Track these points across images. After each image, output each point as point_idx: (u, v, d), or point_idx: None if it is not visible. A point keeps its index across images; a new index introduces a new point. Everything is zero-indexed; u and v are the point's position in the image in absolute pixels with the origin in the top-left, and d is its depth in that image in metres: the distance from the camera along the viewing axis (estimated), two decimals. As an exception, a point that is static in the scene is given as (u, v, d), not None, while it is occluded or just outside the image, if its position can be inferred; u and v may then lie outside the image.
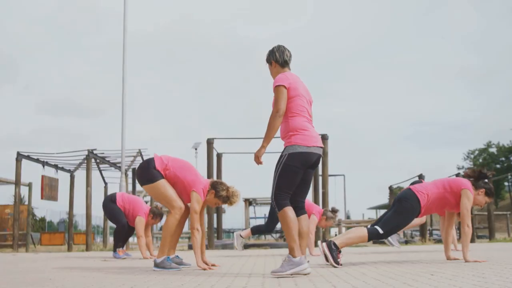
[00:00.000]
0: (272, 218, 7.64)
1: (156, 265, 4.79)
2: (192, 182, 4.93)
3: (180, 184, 4.95)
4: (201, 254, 4.94)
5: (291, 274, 3.75)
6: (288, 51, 4.31)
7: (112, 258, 7.57)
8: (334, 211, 8.06)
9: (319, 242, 5.03)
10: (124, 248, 8.16)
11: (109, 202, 7.93)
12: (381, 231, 4.95)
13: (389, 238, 7.28)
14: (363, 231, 4.92)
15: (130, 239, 11.99)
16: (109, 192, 15.43)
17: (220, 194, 5.00)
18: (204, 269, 4.71)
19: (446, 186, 5.04)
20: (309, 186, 4.24)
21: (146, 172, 4.92)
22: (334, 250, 4.76)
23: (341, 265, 4.76)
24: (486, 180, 5.17)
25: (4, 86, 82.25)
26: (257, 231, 7.71)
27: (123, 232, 7.92)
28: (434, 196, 5.01)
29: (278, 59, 4.27)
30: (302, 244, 4.02)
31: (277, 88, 4.04)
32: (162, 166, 4.92)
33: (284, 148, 4.02)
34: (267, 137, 4.05)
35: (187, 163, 5.12)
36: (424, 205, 4.99)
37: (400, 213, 5.00)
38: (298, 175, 3.99)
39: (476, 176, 5.13)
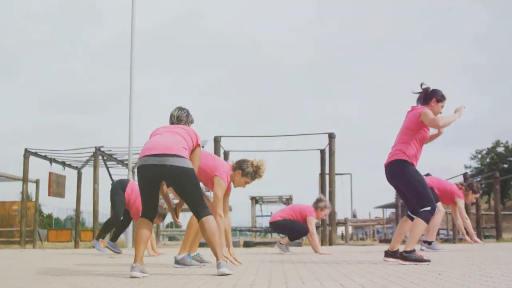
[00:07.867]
0: (291, 230, 7.79)
1: (177, 261, 4.77)
2: (214, 168, 4.82)
3: (203, 173, 4.82)
4: (228, 245, 4.88)
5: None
6: (177, 112, 4.55)
7: (118, 255, 7.52)
8: (320, 200, 7.87)
9: (385, 258, 4.81)
10: (116, 242, 8.04)
11: (119, 188, 7.70)
12: (428, 208, 4.63)
13: (434, 246, 7.38)
14: (419, 222, 4.59)
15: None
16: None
17: (247, 171, 4.88)
18: (230, 261, 4.65)
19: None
20: (188, 196, 3.90)
21: None
22: (411, 256, 4.58)
23: (428, 260, 4.58)
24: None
25: (7, 82, 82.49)
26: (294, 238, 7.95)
27: (114, 226, 7.80)
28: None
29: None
30: (219, 248, 3.85)
31: None
32: None
33: None
34: None
35: (204, 152, 5.01)
36: (409, 154, 4.78)
37: (411, 183, 4.71)
38: (145, 189, 3.92)
39: None
